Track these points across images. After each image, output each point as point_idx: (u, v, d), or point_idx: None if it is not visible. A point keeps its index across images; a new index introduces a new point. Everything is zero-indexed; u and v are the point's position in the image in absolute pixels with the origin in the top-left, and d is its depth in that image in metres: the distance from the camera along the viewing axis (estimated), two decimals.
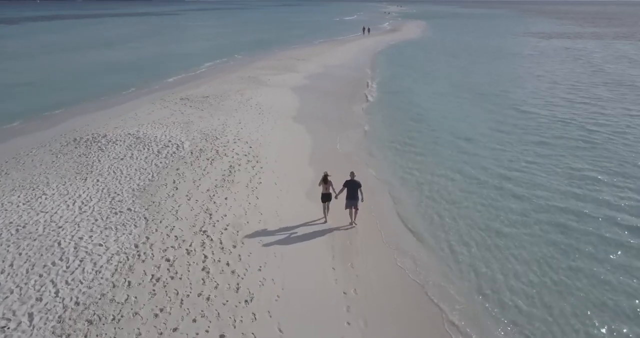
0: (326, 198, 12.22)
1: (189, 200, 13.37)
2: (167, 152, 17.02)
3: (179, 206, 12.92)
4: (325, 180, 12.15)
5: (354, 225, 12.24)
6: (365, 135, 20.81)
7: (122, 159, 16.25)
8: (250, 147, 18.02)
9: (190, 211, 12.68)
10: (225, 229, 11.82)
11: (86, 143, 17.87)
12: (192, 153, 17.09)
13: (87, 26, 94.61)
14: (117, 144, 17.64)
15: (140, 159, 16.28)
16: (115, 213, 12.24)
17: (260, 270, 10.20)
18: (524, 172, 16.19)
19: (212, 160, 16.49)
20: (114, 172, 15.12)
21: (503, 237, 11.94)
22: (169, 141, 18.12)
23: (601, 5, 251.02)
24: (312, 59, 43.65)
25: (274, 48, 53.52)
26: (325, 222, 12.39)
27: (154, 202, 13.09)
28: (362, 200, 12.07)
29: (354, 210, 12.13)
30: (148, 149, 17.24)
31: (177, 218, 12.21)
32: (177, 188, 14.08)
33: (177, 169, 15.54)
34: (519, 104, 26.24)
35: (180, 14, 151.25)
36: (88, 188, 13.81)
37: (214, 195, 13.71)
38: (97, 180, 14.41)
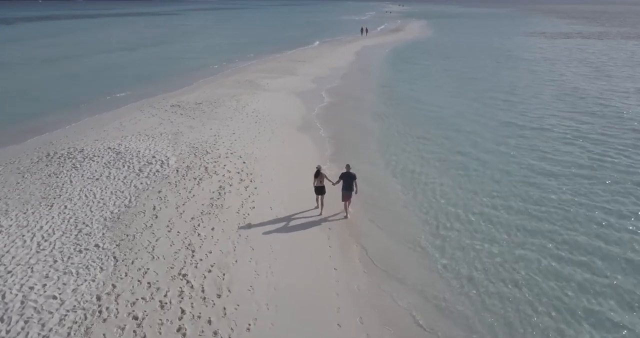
0: (320, 191, 12.42)
1: (169, 232, 11.46)
2: (150, 171, 15.11)
3: (156, 240, 11.01)
4: (317, 175, 12.31)
5: (347, 216, 12.41)
6: (377, 145, 18.84)
7: (97, 180, 14.33)
8: (244, 163, 16.14)
9: (169, 247, 10.77)
10: (209, 271, 9.92)
11: (59, 159, 15.96)
12: (177, 171, 15.19)
13: (86, 27, 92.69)
14: (93, 161, 15.72)
15: (118, 180, 14.36)
16: (80, 252, 10.32)
17: (248, 329, 8.29)
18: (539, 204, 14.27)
19: (200, 179, 14.58)
20: (85, 196, 13.19)
21: (532, 287, 10.03)
22: (153, 157, 16.22)
23: (605, 4, 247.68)
24: (312, 60, 41.78)
25: (274, 49, 51.56)
26: (320, 214, 12.52)
27: (127, 236, 11.18)
28: (357, 192, 12.30)
29: (348, 201, 12.39)
30: (128, 167, 15.33)
31: (153, 258, 10.30)
32: (156, 217, 12.17)
33: (159, 192, 13.62)
34: (527, 117, 23.61)
35: (180, 14, 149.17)
36: (53, 217, 11.89)
37: (199, 225, 11.81)
38: (65, 207, 12.49)
